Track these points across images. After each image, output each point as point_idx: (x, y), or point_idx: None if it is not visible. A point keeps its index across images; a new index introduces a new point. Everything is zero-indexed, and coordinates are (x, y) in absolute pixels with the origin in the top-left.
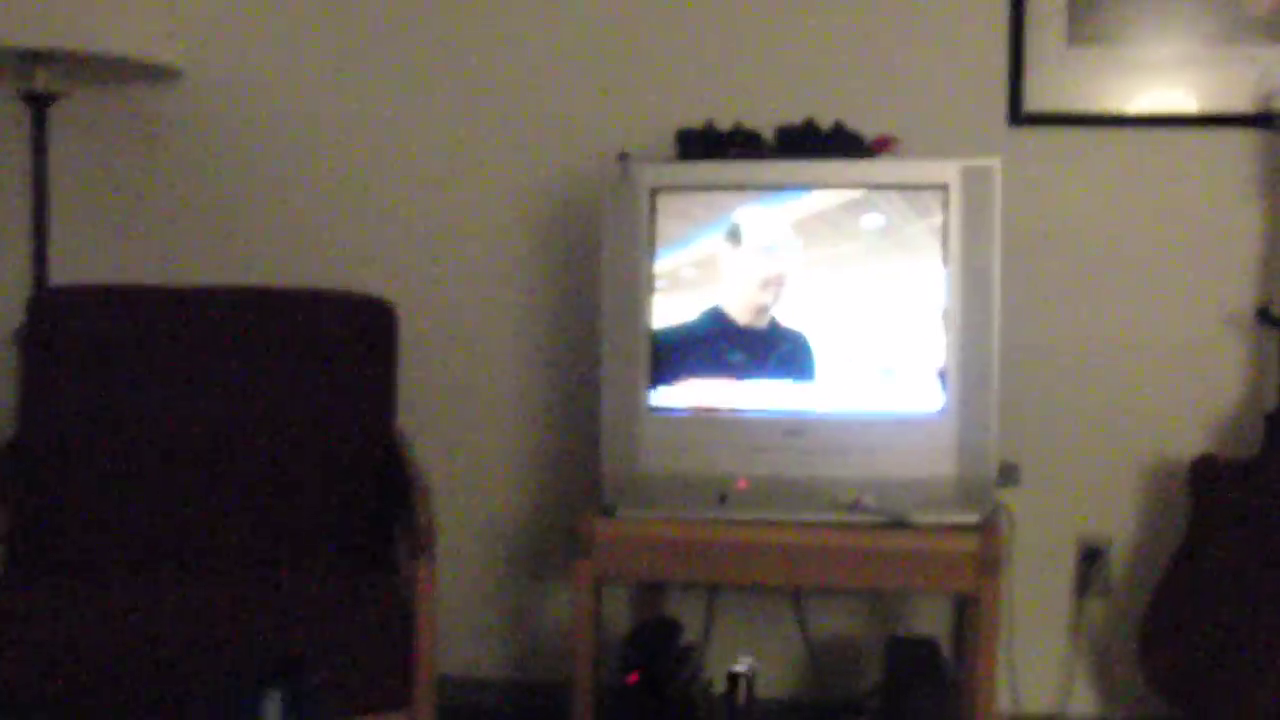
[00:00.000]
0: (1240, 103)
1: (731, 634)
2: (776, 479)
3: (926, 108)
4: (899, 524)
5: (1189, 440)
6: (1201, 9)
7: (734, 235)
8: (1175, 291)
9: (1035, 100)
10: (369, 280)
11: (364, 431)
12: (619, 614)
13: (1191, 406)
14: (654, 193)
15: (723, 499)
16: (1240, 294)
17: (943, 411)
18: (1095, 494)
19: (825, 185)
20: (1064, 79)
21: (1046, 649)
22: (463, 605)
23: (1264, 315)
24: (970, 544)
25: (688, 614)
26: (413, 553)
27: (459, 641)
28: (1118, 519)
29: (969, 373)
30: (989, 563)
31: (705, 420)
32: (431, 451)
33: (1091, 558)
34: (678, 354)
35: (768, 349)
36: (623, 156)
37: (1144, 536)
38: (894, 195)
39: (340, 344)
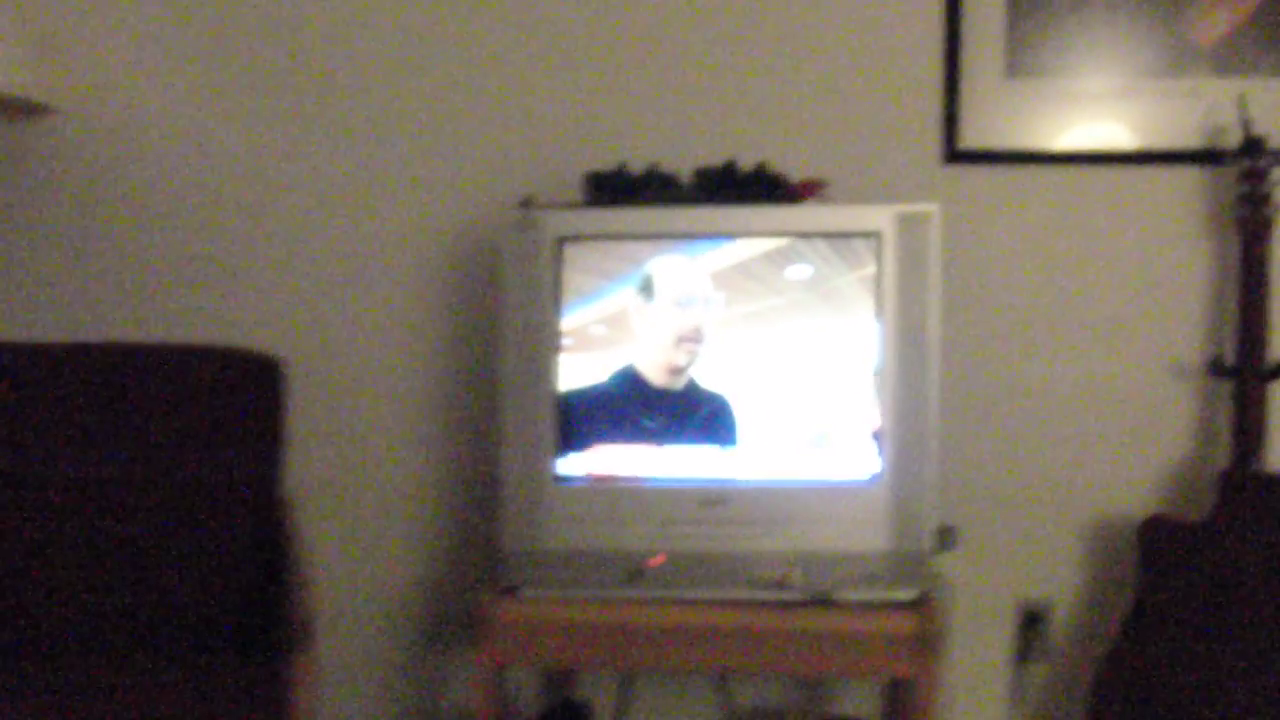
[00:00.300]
0: (1186, 139)
1: (649, 717)
2: (694, 554)
3: (855, 146)
4: (828, 602)
5: (1135, 498)
6: (1145, 40)
7: (646, 288)
8: (1121, 340)
9: (971, 137)
10: (253, 334)
11: (246, 500)
12: (529, 691)
13: (1138, 463)
14: (560, 242)
15: (635, 577)
16: (1189, 343)
17: (876, 479)
18: (1035, 554)
19: (748, 233)
20: (1002, 114)
21: (986, 718)
22: (359, 680)
23: (1216, 366)
24: (906, 624)
25: (602, 694)
26: (290, 648)
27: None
28: (1059, 580)
29: (905, 437)
30: (927, 644)
31: (616, 490)
32: (323, 519)
33: (1032, 621)
34: (586, 418)
35: (685, 412)
36: (525, 202)
37: (1087, 599)
38: (822, 244)
39: (221, 404)
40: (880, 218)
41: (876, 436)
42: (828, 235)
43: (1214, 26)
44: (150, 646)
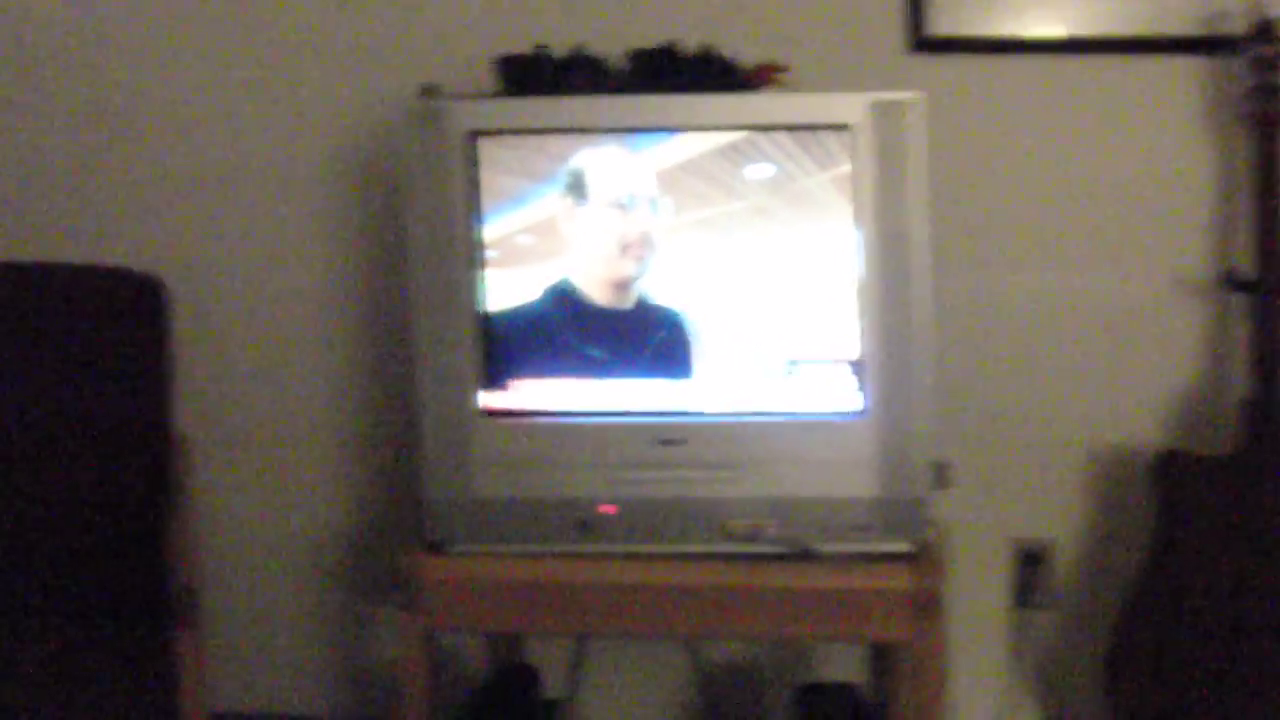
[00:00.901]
0: (1186, 24)
1: (606, 682)
2: (651, 502)
3: (806, 33)
4: (809, 556)
5: (1141, 428)
6: None
7: (577, 187)
8: (1120, 252)
9: (940, 22)
10: (125, 255)
11: (130, 440)
12: (470, 653)
13: (1143, 388)
14: (472, 136)
15: (583, 528)
16: (1198, 254)
17: (861, 413)
18: (1032, 490)
19: (696, 126)
20: None
21: (983, 669)
22: (274, 633)
23: (1230, 279)
24: (900, 579)
25: (552, 658)
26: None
27: (273, 675)
28: (1059, 518)
29: (892, 364)
30: (925, 603)
31: (556, 429)
32: (224, 460)
33: (1032, 562)
34: (516, 344)
35: (635, 336)
36: (427, 90)
37: (1091, 537)
38: (786, 139)
39: (95, 331)
40: (852, 107)
41: (858, 365)
42: (791, 128)
43: None
44: (26, 609)
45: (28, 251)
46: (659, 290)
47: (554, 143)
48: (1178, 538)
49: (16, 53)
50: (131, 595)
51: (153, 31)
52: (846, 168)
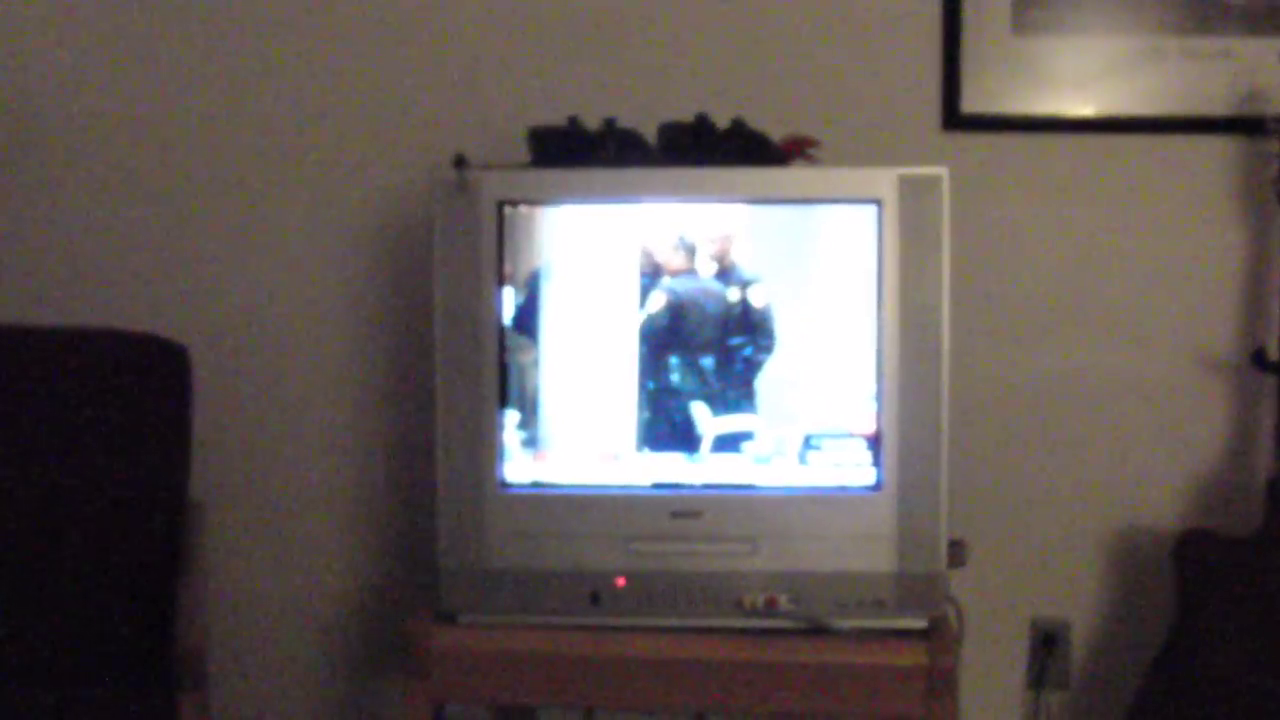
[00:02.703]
0: (1218, 104)
1: None
2: (664, 575)
3: (842, 108)
4: (823, 631)
5: (1163, 508)
6: None
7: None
8: (1147, 331)
9: (975, 100)
10: (154, 318)
11: (146, 505)
12: None
13: (1166, 468)
14: (502, 206)
15: (595, 600)
16: (1226, 334)
17: (877, 487)
18: (1051, 569)
19: (725, 197)
20: (1008, 74)
21: None
22: (281, 699)
23: (1259, 359)
24: (915, 655)
25: None
26: (175, 683)
27: None
28: (1078, 598)
29: (911, 438)
30: (940, 680)
31: (571, 500)
32: (233, 530)
33: (1048, 643)
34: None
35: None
36: (459, 161)
37: (1109, 618)
38: (813, 211)
39: (117, 396)
40: (880, 182)
41: (874, 440)
42: (819, 201)
43: None
44: (34, 671)
45: (55, 315)
46: (677, 359)
47: (583, 214)
48: (1197, 619)
49: (50, 122)
50: (138, 657)
51: (185, 99)
52: (872, 241)
